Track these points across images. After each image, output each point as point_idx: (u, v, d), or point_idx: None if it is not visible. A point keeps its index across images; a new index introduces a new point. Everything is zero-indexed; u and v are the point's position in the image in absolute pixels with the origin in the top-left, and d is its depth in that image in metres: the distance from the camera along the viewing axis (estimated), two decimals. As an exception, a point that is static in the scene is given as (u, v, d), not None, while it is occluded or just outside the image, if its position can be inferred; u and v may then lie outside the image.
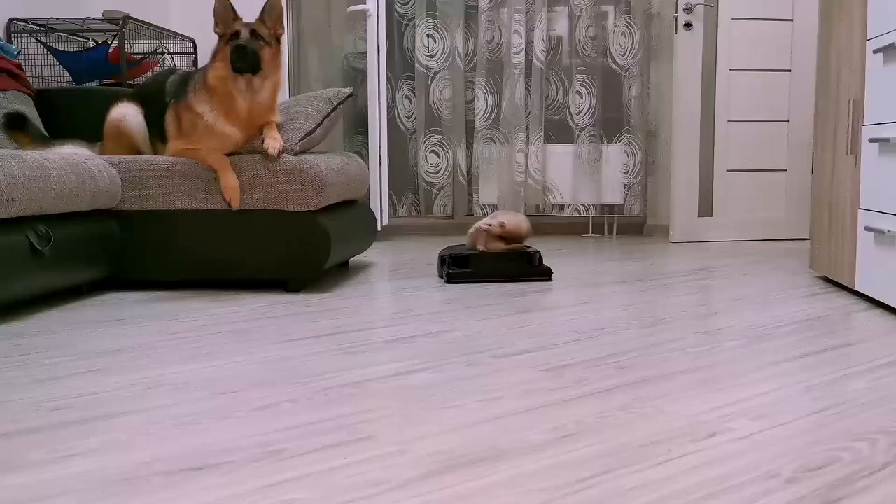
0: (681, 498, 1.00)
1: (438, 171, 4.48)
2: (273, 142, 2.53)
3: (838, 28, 2.61)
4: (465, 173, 4.49)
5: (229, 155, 2.58)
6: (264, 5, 2.58)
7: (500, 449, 1.18)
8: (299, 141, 2.62)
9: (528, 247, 2.86)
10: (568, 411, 1.36)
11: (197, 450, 1.19)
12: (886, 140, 2.16)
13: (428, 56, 4.43)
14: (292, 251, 2.55)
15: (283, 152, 2.55)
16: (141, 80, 3.68)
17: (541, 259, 2.82)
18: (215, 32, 2.58)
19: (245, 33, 2.53)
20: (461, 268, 2.76)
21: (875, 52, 2.24)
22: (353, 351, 1.81)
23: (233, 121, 2.55)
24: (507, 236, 2.80)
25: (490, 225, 2.80)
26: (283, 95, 3.71)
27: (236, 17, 2.56)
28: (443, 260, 2.84)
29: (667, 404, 1.39)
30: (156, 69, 3.78)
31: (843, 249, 2.53)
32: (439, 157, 4.47)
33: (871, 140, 2.27)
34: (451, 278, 2.75)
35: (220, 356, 1.77)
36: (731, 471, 1.09)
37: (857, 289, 2.40)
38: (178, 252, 2.59)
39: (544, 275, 2.79)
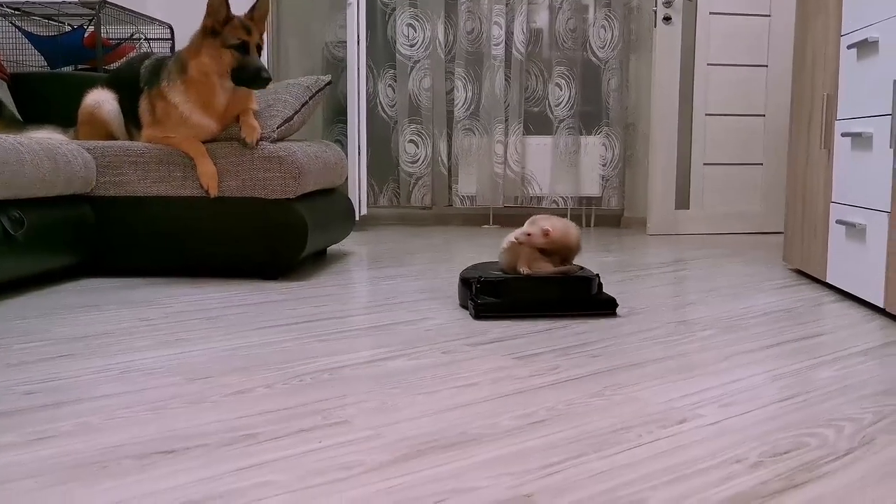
0: (647, 482, 1.02)
1: (417, 161, 4.48)
2: (250, 129, 2.52)
3: (814, 23, 2.64)
4: (445, 164, 4.49)
5: (206, 142, 2.57)
6: (255, 3, 2.55)
7: (473, 434, 1.19)
8: (277, 128, 2.61)
9: (582, 267, 2.13)
10: (540, 398, 1.37)
11: (169, 434, 1.19)
12: (858, 135, 2.19)
13: (408, 45, 4.43)
14: (269, 239, 2.54)
15: (260, 140, 2.54)
16: (116, 65, 3.65)
17: (600, 285, 2.11)
18: (205, 24, 2.50)
19: (253, 48, 2.50)
20: (493, 296, 2.02)
21: (849, 47, 2.27)
22: (329, 338, 1.81)
23: (209, 114, 2.54)
24: (551, 249, 2.05)
25: (529, 234, 2.03)
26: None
27: (229, 14, 2.50)
28: (467, 284, 2.09)
29: (638, 392, 1.41)
30: (132, 54, 3.74)
31: (815, 242, 2.56)
32: (418, 146, 4.47)
33: (843, 134, 2.30)
34: (480, 312, 1.99)
35: (194, 342, 1.76)
36: (698, 456, 1.11)
37: (827, 281, 2.44)
38: (153, 238, 2.57)
39: (607, 307, 2.04)
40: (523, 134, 4.45)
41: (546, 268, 2.05)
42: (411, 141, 4.47)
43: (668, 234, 4.19)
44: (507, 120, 4.42)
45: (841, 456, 1.11)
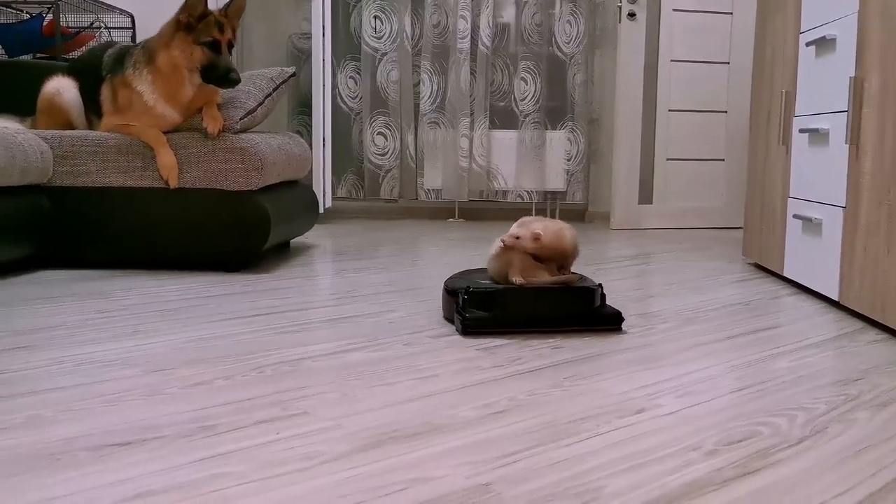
0: (605, 470, 1.03)
1: (386, 154, 4.46)
2: (213, 121, 2.49)
3: (773, 21, 2.68)
4: (413, 156, 4.48)
5: (167, 132, 2.53)
6: (230, 1, 2.53)
7: (433, 424, 1.19)
8: (240, 120, 2.58)
9: (583, 277, 1.91)
10: (501, 388, 1.38)
11: (125, 426, 1.17)
12: (815, 131, 2.23)
13: (375, 37, 4.41)
14: (231, 231, 2.52)
15: (223, 131, 2.52)
16: (76, 54, 3.58)
17: (603, 296, 1.87)
18: (179, 18, 2.46)
19: (225, 47, 2.48)
20: (483, 310, 1.77)
21: (807, 44, 2.30)
22: (291, 330, 1.80)
23: (174, 105, 2.51)
24: (545, 255, 1.83)
25: (518, 238, 1.80)
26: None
27: (206, 10, 2.47)
28: (453, 295, 1.84)
29: (598, 382, 1.42)
30: (92, 43, 3.68)
31: (773, 237, 2.60)
32: (386, 139, 4.45)
33: (801, 130, 2.34)
34: (469, 328, 1.74)
35: (153, 334, 1.74)
36: (654, 444, 1.12)
37: (784, 275, 2.48)
38: (112, 230, 2.53)
39: (612, 322, 1.82)
40: (489, 128, 4.46)
41: (542, 276, 1.81)
42: (380, 133, 4.45)
43: (631, 228, 4.23)
44: (472, 114, 4.43)
45: (793, 444, 1.13)
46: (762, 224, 2.73)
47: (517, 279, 1.80)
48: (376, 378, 1.43)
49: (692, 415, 1.25)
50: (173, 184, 2.50)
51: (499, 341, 1.71)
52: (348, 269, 2.72)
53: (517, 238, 1.81)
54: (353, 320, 1.91)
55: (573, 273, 1.90)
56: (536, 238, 1.79)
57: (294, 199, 2.89)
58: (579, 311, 1.81)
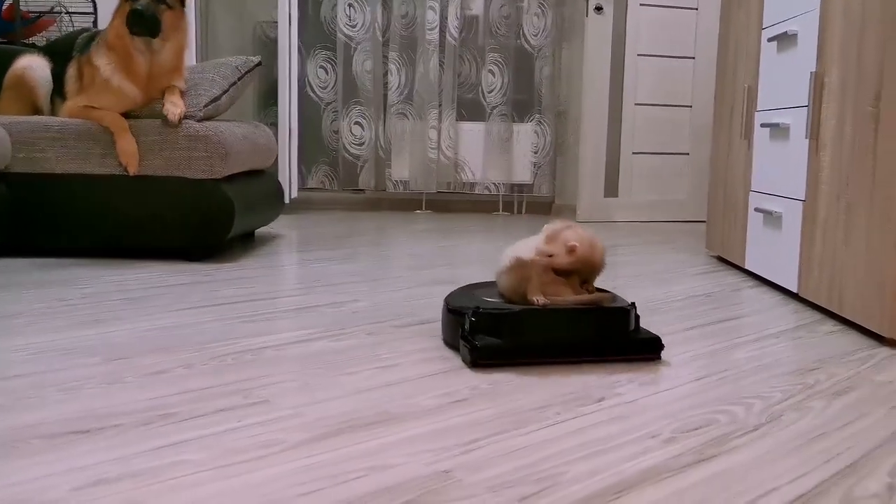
0: (564, 457, 1.04)
1: (363, 144, 4.44)
2: (173, 107, 2.46)
3: (737, 16, 2.71)
4: (384, 147, 4.47)
5: (129, 118, 2.50)
6: None
7: (394, 413, 1.19)
8: (203, 107, 2.55)
9: (612, 294, 1.62)
10: (463, 378, 1.38)
11: (83, 414, 1.16)
12: (777, 125, 2.26)
13: (350, 26, 4.38)
14: (194, 219, 2.49)
15: (185, 118, 2.49)
16: (36, 39, 3.52)
17: (637, 318, 1.55)
18: None
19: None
20: (495, 336, 1.45)
21: (769, 40, 2.33)
22: (254, 319, 1.79)
23: (131, 78, 2.49)
24: (575, 270, 1.53)
25: (552, 255, 1.51)
26: (191, 61, 3.60)
27: None
28: (458, 316, 1.52)
29: (561, 372, 1.43)
30: (52, 28, 3.61)
31: (735, 230, 2.64)
32: (363, 129, 4.43)
33: (762, 125, 2.37)
34: (479, 358, 1.43)
35: (113, 323, 1.72)
36: (614, 432, 1.13)
37: (746, 267, 2.51)
38: (72, 218, 2.49)
39: (649, 349, 1.52)
40: (456, 120, 4.45)
41: (566, 294, 1.52)
42: (357, 123, 4.43)
43: (597, 221, 4.26)
44: (440, 105, 4.42)
45: (749, 431, 1.15)
46: (724, 217, 2.77)
47: (538, 298, 1.49)
48: (338, 367, 1.43)
49: (652, 403, 1.26)
50: (132, 171, 2.46)
51: (463, 331, 1.71)
52: (313, 259, 2.71)
53: (551, 255, 1.49)
54: (317, 310, 1.90)
55: (601, 290, 1.61)
56: (572, 250, 1.49)
57: (259, 188, 2.87)
58: (613, 338, 1.50)
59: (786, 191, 2.20)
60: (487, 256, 2.87)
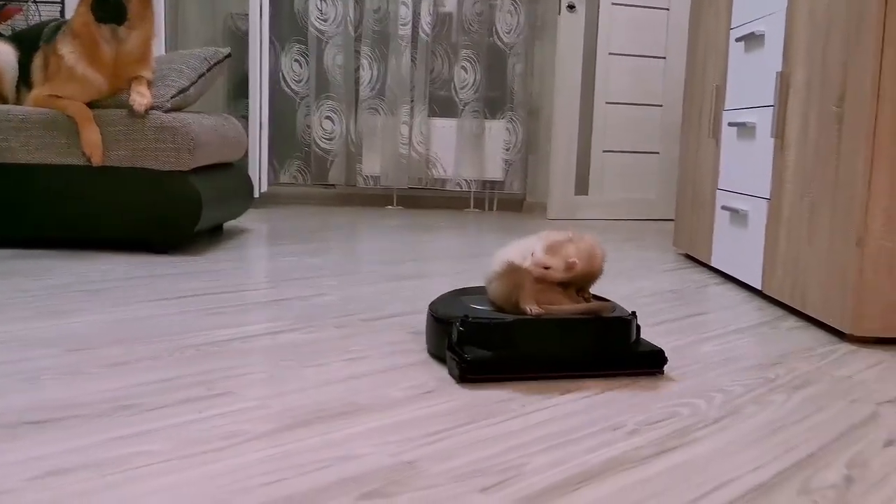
0: (527, 449, 1.04)
1: (333, 139, 4.42)
2: (140, 97, 2.43)
3: (706, 17, 2.73)
4: (355, 142, 4.45)
5: (95, 107, 2.46)
6: None
7: (360, 404, 1.19)
8: (171, 98, 2.52)
9: (612, 302, 1.49)
10: (431, 370, 1.38)
11: (41, 405, 1.14)
12: (743, 124, 2.29)
13: (321, 19, 4.35)
14: (161, 211, 2.46)
15: (152, 109, 2.46)
16: (3, 28, 3.45)
17: (638, 328, 1.46)
18: None
19: None
20: (486, 347, 1.35)
21: (737, 40, 2.36)
22: (220, 312, 1.77)
23: (96, 67, 2.45)
24: (574, 282, 1.44)
25: (548, 268, 1.39)
26: (160, 52, 3.56)
27: None
28: (444, 326, 1.41)
29: (526, 365, 1.43)
30: (18, 16, 3.55)
31: (702, 228, 2.67)
32: (334, 123, 4.41)
33: (730, 124, 2.39)
34: (468, 373, 1.32)
35: (76, 314, 1.69)
36: (578, 424, 1.14)
37: (712, 264, 2.54)
38: (35, 208, 2.45)
39: (651, 364, 1.41)
40: (428, 116, 4.45)
41: (561, 303, 1.42)
42: (327, 117, 4.40)
43: (567, 218, 4.28)
44: (412, 101, 4.41)
45: (710, 424, 1.16)
46: (692, 215, 2.79)
47: (531, 307, 1.39)
48: (305, 359, 1.42)
49: (617, 396, 1.27)
50: (96, 161, 2.43)
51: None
52: (282, 253, 2.69)
53: (546, 268, 1.39)
54: (285, 303, 1.89)
55: (598, 297, 1.50)
56: (571, 267, 1.39)
57: (227, 181, 2.85)
58: (613, 351, 1.40)
59: (751, 189, 2.23)
60: (457, 253, 2.87)
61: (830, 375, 1.44)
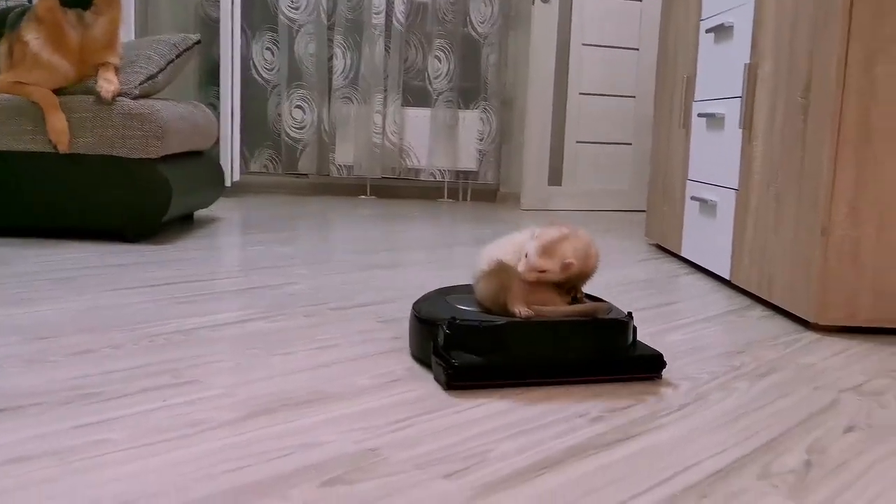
0: (492, 436, 1.04)
1: (304, 128, 4.39)
2: (107, 84, 2.40)
3: (677, 8, 2.75)
4: (328, 131, 4.42)
5: (61, 94, 2.43)
6: None
7: (326, 393, 1.19)
8: (139, 85, 2.49)
9: (608, 303, 1.40)
10: (398, 359, 1.38)
11: (4, 392, 1.13)
12: (713, 115, 2.30)
13: (292, 8, 4.31)
14: (130, 199, 2.43)
15: (120, 95, 2.43)
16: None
17: (635, 329, 1.38)
18: None
19: None
20: (474, 352, 1.26)
21: (707, 31, 2.37)
22: (189, 300, 1.76)
23: (62, 53, 2.41)
24: (568, 281, 1.36)
25: (544, 271, 1.32)
26: (130, 38, 3.52)
27: None
28: (430, 327, 1.33)
29: (494, 353, 1.44)
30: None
31: (672, 218, 2.69)
32: (304, 112, 4.38)
33: (700, 115, 2.41)
34: (456, 380, 1.23)
35: (41, 302, 1.67)
36: (543, 412, 1.14)
37: (682, 255, 2.56)
38: (1, 196, 2.41)
39: (650, 368, 1.33)
40: (402, 105, 4.44)
41: (553, 303, 1.34)
42: (298, 106, 4.37)
43: (540, 209, 4.29)
44: (386, 90, 4.40)
45: (675, 411, 1.17)
46: (663, 206, 2.81)
47: (522, 310, 1.30)
48: (273, 348, 1.41)
49: (582, 385, 1.28)
50: (62, 149, 2.40)
51: (401, 314, 1.71)
52: (253, 242, 2.67)
53: (542, 272, 1.31)
54: (254, 291, 1.88)
55: (592, 297, 1.44)
56: (568, 268, 1.31)
57: (198, 170, 2.82)
58: (610, 355, 1.32)
59: (720, 180, 2.25)
60: (431, 243, 2.87)
61: (794, 363, 1.46)
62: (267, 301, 1.79)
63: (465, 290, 1.49)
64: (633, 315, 1.41)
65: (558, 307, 1.33)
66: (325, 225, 3.22)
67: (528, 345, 1.28)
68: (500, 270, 1.34)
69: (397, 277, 2.14)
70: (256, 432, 1.02)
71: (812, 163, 1.71)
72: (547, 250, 1.31)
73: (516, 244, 1.36)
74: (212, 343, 1.43)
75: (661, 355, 1.34)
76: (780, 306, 1.86)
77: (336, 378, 1.26)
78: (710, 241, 2.30)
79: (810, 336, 1.68)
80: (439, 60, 4.42)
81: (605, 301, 1.41)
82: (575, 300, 1.39)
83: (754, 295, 2.09)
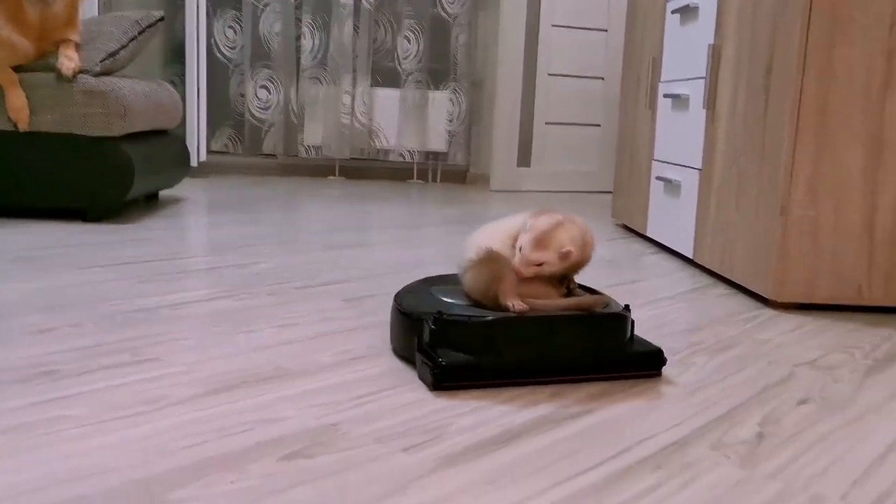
0: (452, 411, 1.05)
1: (269, 108, 4.34)
2: (68, 61, 2.36)
3: (645, -11, 2.76)
4: (294, 112, 4.38)
5: (21, 72, 2.38)
6: None
7: (288, 370, 1.19)
8: (100, 62, 2.45)
9: (605, 296, 1.30)
10: (362, 337, 1.38)
11: (-42, 371, 1.11)
12: (678, 96, 2.32)
13: (255, -13, 4.26)
14: (92, 179, 2.40)
15: (81, 73, 2.39)
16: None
17: (633, 323, 1.29)
18: None
19: None
20: (463, 350, 1.16)
21: (673, 12, 2.39)
22: (152, 279, 1.74)
23: (21, 31, 2.36)
24: (566, 272, 1.27)
25: (541, 264, 1.21)
26: (92, 14, 3.45)
27: None
28: (414, 322, 1.22)
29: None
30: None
31: (638, 198, 2.71)
32: (270, 92, 4.33)
33: (665, 95, 2.43)
34: (444, 380, 1.13)
35: (1, 282, 1.65)
36: (503, 388, 1.15)
37: (648, 235, 2.59)
38: (-40, 175, 2.37)
39: (649, 365, 1.25)
40: (371, 86, 4.41)
41: (547, 295, 1.24)
42: (263, 87, 4.33)
43: (510, 190, 4.30)
44: (354, 70, 4.37)
45: (634, 386, 1.19)
46: (629, 186, 2.84)
47: (514, 304, 1.19)
48: (235, 326, 1.41)
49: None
50: (22, 127, 2.35)
51: (366, 292, 1.71)
52: (219, 222, 2.65)
53: (540, 265, 1.21)
54: (219, 271, 1.87)
55: (587, 288, 1.36)
56: (566, 257, 1.21)
57: (162, 149, 2.79)
58: (608, 352, 1.23)
59: (685, 160, 2.27)
60: (400, 223, 2.87)
61: (752, 339, 1.49)
62: (231, 280, 1.78)
63: (451, 280, 1.36)
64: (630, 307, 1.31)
65: (553, 301, 1.23)
66: (293, 205, 3.20)
67: (521, 342, 1.17)
68: (490, 260, 1.22)
69: (364, 257, 2.13)
70: (217, 408, 1.02)
71: (772, 142, 1.73)
72: (541, 242, 1.20)
73: (505, 231, 1.26)
74: (174, 321, 1.42)
75: (660, 351, 1.25)
76: (741, 284, 1.89)
77: (298, 355, 1.26)
78: (675, 220, 2.33)
79: (769, 313, 1.71)
80: (409, 41, 4.40)
81: (601, 293, 1.32)
82: (569, 292, 1.29)
83: (716, 274, 2.11)
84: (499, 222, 1.29)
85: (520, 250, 1.21)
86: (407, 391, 1.12)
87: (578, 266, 1.26)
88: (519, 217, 1.27)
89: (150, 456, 0.87)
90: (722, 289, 1.95)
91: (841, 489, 0.88)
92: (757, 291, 1.79)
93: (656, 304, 1.75)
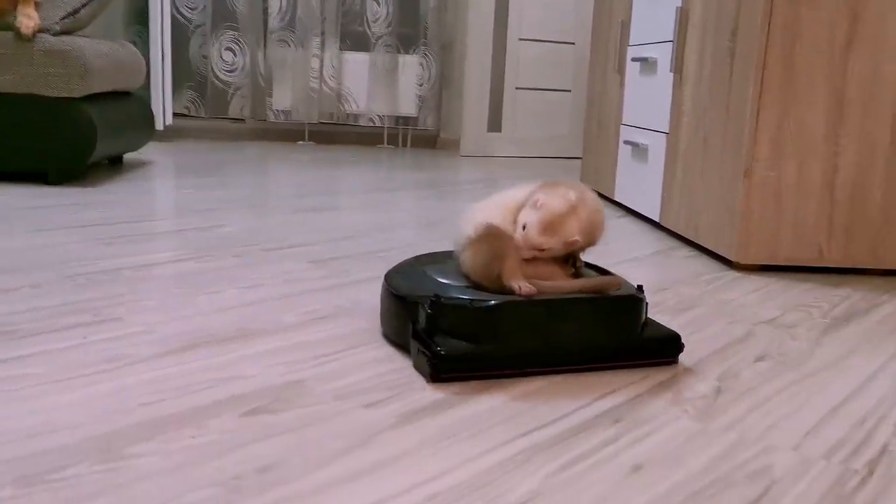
0: (412, 370, 1.06)
1: (234, 71, 4.27)
2: (27, 20, 2.30)
3: (615, -49, 2.74)
4: (264, 75, 4.32)
5: (-22, 30, 2.32)
6: None
7: (252, 329, 1.19)
8: (61, 20, 2.39)
9: (618, 276, 1.19)
10: (327, 297, 1.38)
11: (-86, 332, 1.10)
12: (646, 59, 2.32)
13: (220, -53, 4.17)
14: (52, 140, 2.35)
15: (40, 32, 2.33)
16: None
17: (646, 305, 1.17)
18: None
19: None
20: (463, 337, 1.04)
21: (642, -26, 2.38)
22: (114, 242, 1.72)
23: None
24: (575, 252, 1.17)
25: (543, 249, 1.10)
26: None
27: None
28: (409, 307, 1.11)
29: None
30: None
31: (607, 162, 2.72)
32: (235, 55, 4.26)
33: (633, 59, 2.43)
34: (443, 371, 1.02)
35: (-43, 244, 1.62)
36: (468, 344, 1.16)
37: (616, 199, 2.60)
38: (-85, 136, 2.31)
39: (666, 353, 1.14)
40: (340, 50, 4.36)
41: (553, 276, 1.12)
42: (228, 49, 4.25)
43: (480, 155, 4.29)
44: (323, 34, 4.31)
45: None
46: (597, 150, 2.84)
47: (519, 286, 1.07)
48: (200, 287, 1.40)
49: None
50: (-16, 86, 2.30)
51: (331, 254, 1.71)
52: (185, 185, 2.62)
53: (542, 250, 1.10)
54: (183, 233, 1.85)
55: (596, 267, 1.25)
56: (571, 245, 1.11)
57: (126, 110, 2.74)
58: (622, 338, 1.12)
59: (652, 124, 2.28)
60: (369, 187, 2.85)
61: (714, 299, 1.51)
62: (196, 243, 1.76)
63: (447, 258, 1.22)
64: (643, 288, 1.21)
65: (562, 282, 1.11)
66: (261, 170, 3.17)
67: (529, 330, 1.06)
68: (492, 237, 1.09)
69: (332, 220, 2.12)
70: (178, 367, 1.02)
71: (737, 105, 1.74)
72: (551, 226, 1.08)
73: (506, 205, 1.14)
74: (136, 283, 1.41)
75: (678, 336, 1.14)
76: (706, 247, 1.91)
77: (262, 315, 1.26)
78: (642, 184, 2.34)
79: (732, 275, 1.73)
80: (378, 4, 4.34)
81: (613, 274, 1.20)
82: (576, 272, 1.18)
83: (682, 236, 2.13)
84: (499, 195, 1.17)
85: (523, 228, 1.09)
86: (371, 349, 1.12)
87: (586, 246, 1.15)
88: (522, 189, 1.15)
89: (110, 413, 0.87)
90: (687, 251, 1.97)
91: (793, 440, 0.90)
92: (721, 253, 1.81)
93: (620, 266, 1.76)
